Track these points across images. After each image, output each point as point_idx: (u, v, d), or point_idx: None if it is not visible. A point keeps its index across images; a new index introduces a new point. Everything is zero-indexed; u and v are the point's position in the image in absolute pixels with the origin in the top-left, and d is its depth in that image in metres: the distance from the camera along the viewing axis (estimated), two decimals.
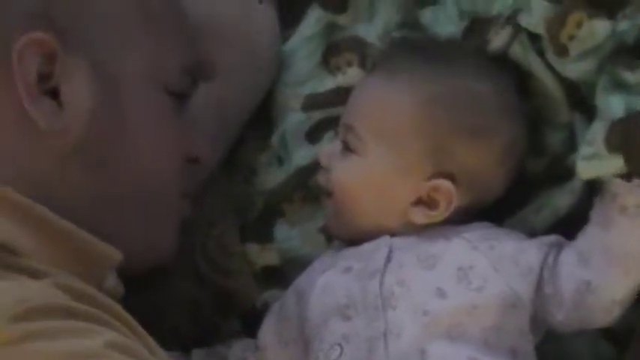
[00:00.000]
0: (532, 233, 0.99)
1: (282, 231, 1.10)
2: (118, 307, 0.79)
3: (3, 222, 0.80)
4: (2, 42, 0.83)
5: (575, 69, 0.98)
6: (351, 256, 0.98)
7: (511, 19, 1.01)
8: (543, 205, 1.01)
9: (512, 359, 0.92)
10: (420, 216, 0.97)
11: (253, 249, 1.10)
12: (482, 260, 0.93)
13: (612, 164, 0.91)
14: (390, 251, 0.96)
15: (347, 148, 0.99)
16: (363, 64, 1.09)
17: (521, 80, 1.02)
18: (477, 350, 0.90)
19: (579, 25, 0.96)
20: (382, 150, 0.97)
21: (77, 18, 0.85)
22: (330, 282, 0.97)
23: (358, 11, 1.12)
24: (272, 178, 1.11)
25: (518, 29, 1.00)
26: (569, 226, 0.97)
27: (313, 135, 1.11)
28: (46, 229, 0.82)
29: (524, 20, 0.99)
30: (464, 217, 0.98)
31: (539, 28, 0.99)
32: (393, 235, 0.97)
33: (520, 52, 1.01)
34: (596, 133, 0.93)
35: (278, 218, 1.11)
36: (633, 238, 0.91)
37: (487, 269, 0.93)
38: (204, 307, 1.08)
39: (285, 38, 1.13)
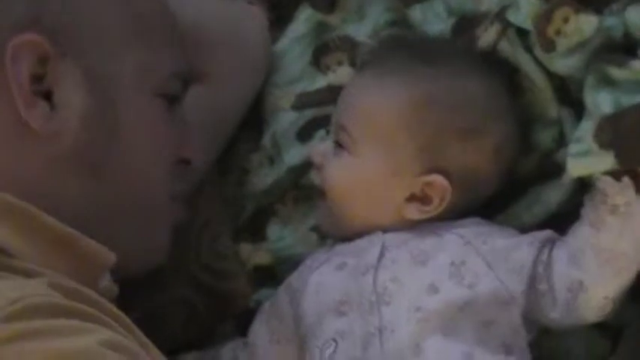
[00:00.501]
0: (523, 229, 0.99)
1: (275, 231, 1.11)
2: (112, 306, 0.79)
3: None
4: None
5: (562, 65, 0.98)
6: (344, 252, 0.99)
7: (499, 16, 1.01)
8: (534, 201, 1.01)
9: (506, 354, 0.92)
10: (413, 212, 0.98)
11: (246, 249, 1.10)
12: (474, 256, 0.94)
13: (603, 161, 0.91)
14: (383, 247, 0.96)
15: (339, 147, 1.00)
16: (353, 63, 1.10)
17: (510, 77, 1.02)
18: (471, 346, 0.90)
19: (566, 20, 0.97)
20: (374, 149, 0.98)
21: (68, 23, 0.86)
22: (323, 279, 0.97)
23: (348, 10, 1.12)
24: (264, 178, 1.11)
25: (506, 26, 1.00)
26: (560, 221, 0.97)
27: (304, 134, 1.11)
28: (39, 231, 0.82)
29: (512, 16, 1.00)
30: (456, 213, 0.98)
31: (527, 24, 0.99)
32: (385, 231, 0.98)
33: (508, 48, 1.01)
34: (585, 130, 0.93)
35: (270, 218, 1.11)
36: (624, 239, 0.91)
37: (479, 265, 0.93)
38: (199, 309, 1.08)
39: (275, 38, 1.14)
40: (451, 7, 1.06)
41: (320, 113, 1.10)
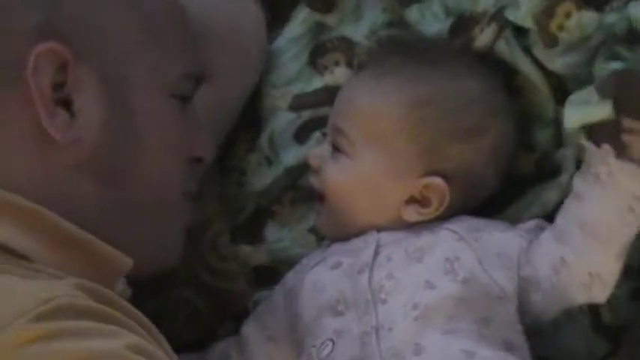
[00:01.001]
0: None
1: (273, 232, 1.10)
2: (136, 311, 0.80)
3: (15, 229, 0.80)
4: (13, 56, 0.82)
5: (563, 62, 0.98)
6: (340, 251, 0.98)
7: (496, 16, 1.01)
8: (532, 202, 1.01)
9: (506, 351, 0.90)
10: (412, 214, 0.97)
11: (244, 250, 1.09)
12: (468, 252, 0.93)
13: (601, 110, 0.89)
14: (378, 246, 0.96)
15: (336, 150, 0.99)
16: (350, 64, 1.09)
17: (507, 77, 1.01)
18: (470, 343, 0.89)
19: (568, 15, 0.96)
20: (372, 151, 0.97)
21: (81, 28, 0.85)
22: (320, 278, 0.97)
23: (345, 11, 1.11)
24: (261, 179, 1.11)
25: (503, 26, 1.00)
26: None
27: (301, 135, 1.10)
28: (58, 236, 0.81)
29: (512, 14, 0.99)
30: (453, 214, 0.98)
31: (527, 22, 0.99)
32: (379, 230, 0.97)
33: (505, 49, 1.01)
34: (589, 88, 0.93)
35: (268, 220, 1.10)
36: (605, 207, 0.90)
37: (472, 261, 0.93)
38: (200, 310, 1.08)
39: (271, 38, 1.13)
40: (448, 7, 1.05)
41: (317, 114, 1.10)
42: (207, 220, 1.09)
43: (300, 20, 1.12)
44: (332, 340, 0.92)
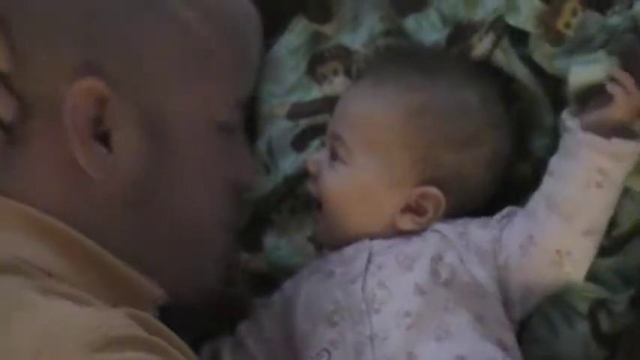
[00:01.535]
0: None
1: (271, 241, 1.09)
2: (180, 340, 0.78)
3: (51, 253, 0.79)
4: (52, 90, 0.81)
5: (564, 64, 0.97)
6: (332, 260, 0.98)
7: (494, 25, 1.01)
8: None
9: (502, 351, 0.90)
10: (407, 223, 0.97)
11: (243, 257, 1.09)
12: (450, 251, 0.93)
13: (606, 65, 0.90)
14: (370, 254, 0.95)
15: (334, 157, 0.99)
16: (348, 73, 1.09)
17: (505, 86, 1.01)
18: (464, 347, 0.89)
19: (574, 13, 0.97)
20: (370, 159, 0.97)
21: (123, 62, 0.83)
22: (314, 289, 0.96)
23: (343, 20, 1.11)
24: (260, 186, 1.09)
25: (500, 35, 1.00)
26: None
27: (299, 143, 1.09)
28: (93, 263, 0.80)
29: (512, 19, 1.00)
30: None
31: (528, 25, 0.99)
32: (372, 238, 0.97)
33: (503, 58, 1.01)
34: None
35: (267, 227, 1.10)
36: (571, 182, 0.89)
37: (454, 260, 0.93)
38: (200, 314, 1.04)
39: (268, 46, 1.12)
40: (445, 16, 1.05)
41: (315, 122, 1.09)
42: None
43: (298, 31, 1.12)
44: (327, 351, 0.92)
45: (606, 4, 0.96)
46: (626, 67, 0.89)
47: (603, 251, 0.93)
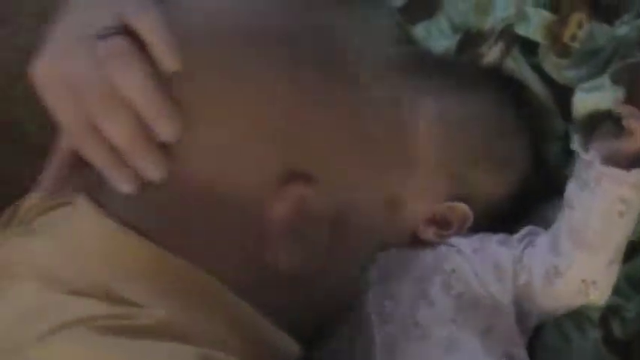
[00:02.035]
0: None
1: None
2: None
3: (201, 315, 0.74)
4: (257, 196, 0.75)
5: (573, 75, 0.98)
6: None
7: (503, 34, 1.01)
8: (543, 218, 0.99)
9: None
10: (429, 234, 0.96)
11: None
12: (464, 264, 0.93)
13: (613, 95, 0.90)
14: (380, 265, 0.94)
15: None
16: None
17: (517, 94, 1.02)
18: (475, 357, 0.89)
19: (580, 25, 0.97)
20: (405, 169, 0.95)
21: (326, 163, 0.77)
22: None
23: None
24: None
25: (510, 44, 1.01)
26: None
27: None
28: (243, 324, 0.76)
29: (522, 29, 1.00)
30: None
31: (537, 35, 0.99)
32: (383, 248, 0.95)
33: (513, 66, 1.01)
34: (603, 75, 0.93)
35: None
36: (594, 214, 0.90)
37: (468, 274, 0.92)
38: None
39: None
40: (455, 23, 1.06)
41: None
42: None
43: None
44: None
45: (614, 14, 0.97)
46: (631, 96, 0.89)
47: None
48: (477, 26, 1.04)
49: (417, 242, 0.97)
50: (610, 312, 0.94)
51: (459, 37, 1.05)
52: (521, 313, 0.93)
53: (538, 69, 1.00)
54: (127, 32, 0.72)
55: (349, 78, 0.76)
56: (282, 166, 0.75)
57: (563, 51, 0.97)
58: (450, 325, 0.90)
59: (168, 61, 0.72)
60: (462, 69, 1.03)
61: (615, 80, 0.91)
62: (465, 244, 0.95)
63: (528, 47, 1.00)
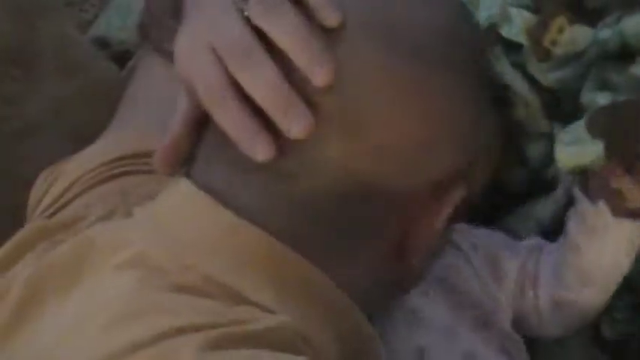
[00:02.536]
0: None
1: None
2: None
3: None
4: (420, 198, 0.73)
5: (556, 77, 0.98)
6: None
7: (488, 33, 1.00)
8: (527, 217, 1.02)
9: (508, 357, 0.92)
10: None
11: None
12: (464, 263, 0.94)
13: (592, 150, 0.90)
14: None
15: None
16: None
17: (500, 93, 1.01)
18: (473, 345, 0.91)
19: (561, 30, 0.97)
20: None
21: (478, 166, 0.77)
22: None
23: None
24: None
25: (493, 43, 1.00)
26: (554, 236, 0.98)
27: None
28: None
29: (505, 31, 0.99)
30: None
31: (520, 37, 0.99)
32: None
33: (496, 65, 1.01)
34: (579, 123, 0.93)
35: None
36: (604, 257, 0.92)
37: (469, 272, 0.94)
38: None
39: None
40: None
41: None
42: None
43: None
44: None
45: (598, 16, 0.96)
46: (611, 149, 0.89)
47: None
48: None
49: None
50: (601, 312, 0.96)
51: None
52: (518, 319, 0.95)
53: (521, 68, 1.00)
54: None
55: None
56: (452, 167, 0.73)
57: (544, 55, 0.97)
58: (451, 318, 0.91)
59: (330, 14, 0.69)
60: None
61: (592, 131, 0.91)
62: (466, 242, 0.96)
63: (513, 47, 1.00)
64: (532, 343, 0.97)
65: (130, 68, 1.12)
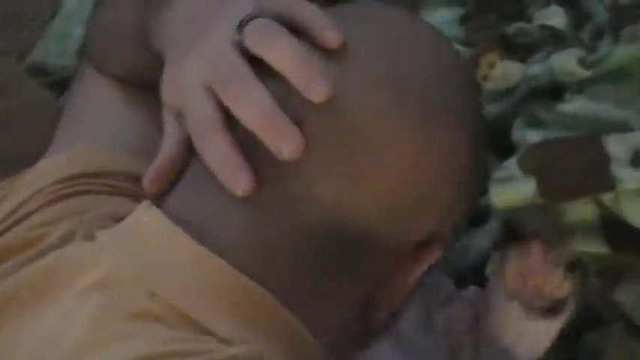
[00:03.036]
0: (458, 274, 1.00)
1: None
2: None
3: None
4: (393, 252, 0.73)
5: (489, 111, 0.99)
6: None
7: None
8: (465, 249, 1.02)
9: None
10: None
11: None
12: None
13: (525, 188, 0.91)
14: None
15: None
16: None
17: None
18: None
19: (492, 66, 0.99)
20: None
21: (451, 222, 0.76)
22: None
23: None
24: None
25: None
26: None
27: None
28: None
29: None
30: None
31: None
32: None
33: None
34: (511, 161, 0.94)
35: None
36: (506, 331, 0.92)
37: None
38: None
39: None
40: None
41: None
42: None
43: None
44: None
45: (528, 52, 0.99)
46: (543, 186, 0.90)
47: None
48: None
49: None
50: None
51: None
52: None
53: None
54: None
55: None
56: (438, 227, 0.73)
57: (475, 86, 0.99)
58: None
59: (332, 34, 0.69)
60: None
61: (524, 169, 0.92)
62: None
63: None
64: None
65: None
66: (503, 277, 0.92)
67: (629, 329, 0.92)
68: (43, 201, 0.83)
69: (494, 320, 0.92)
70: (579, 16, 1.05)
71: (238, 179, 0.68)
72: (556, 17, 1.03)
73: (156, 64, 0.77)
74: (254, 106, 0.68)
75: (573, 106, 0.95)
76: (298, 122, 0.68)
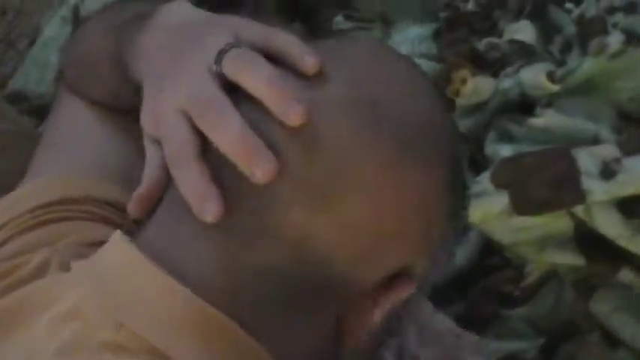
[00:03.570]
0: (433, 287, 1.00)
1: None
2: None
3: None
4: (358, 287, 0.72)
5: (462, 125, 1.01)
6: None
7: None
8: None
9: None
10: None
11: None
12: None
13: (498, 201, 0.93)
14: None
15: None
16: None
17: None
18: None
19: (464, 81, 1.00)
20: None
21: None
22: None
23: None
24: None
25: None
26: (467, 281, 1.00)
27: None
28: None
29: None
30: None
31: None
32: None
33: None
34: (484, 175, 0.95)
35: None
36: None
37: None
38: None
39: None
40: None
41: None
42: None
43: None
44: None
45: (500, 67, 1.01)
46: (515, 200, 0.92)
47: (514, 302, 0.97)
48: None
49: None
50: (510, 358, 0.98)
51: None
52: None
53: None
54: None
55: None
56: (402, 263, 0.72)
57: (448, 105, 1.00)
58: None
59: (309, 60, 0.69)
60: None
61: (496, 182, 0.93)
62: None
63: None
64: None
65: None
66: None
67: (604, 339, 0.93)
68: (16, 230, 0.84)
69: None
70: (549, 29, 1.06)
71: (207, 206, 0.69)
72: (526, 31, 1.04)
73: (131, 88, 0.78)
74: (229, 132, 0.69)
75: (543, 120, 0.96)
76: (273, 147, 0.68)
